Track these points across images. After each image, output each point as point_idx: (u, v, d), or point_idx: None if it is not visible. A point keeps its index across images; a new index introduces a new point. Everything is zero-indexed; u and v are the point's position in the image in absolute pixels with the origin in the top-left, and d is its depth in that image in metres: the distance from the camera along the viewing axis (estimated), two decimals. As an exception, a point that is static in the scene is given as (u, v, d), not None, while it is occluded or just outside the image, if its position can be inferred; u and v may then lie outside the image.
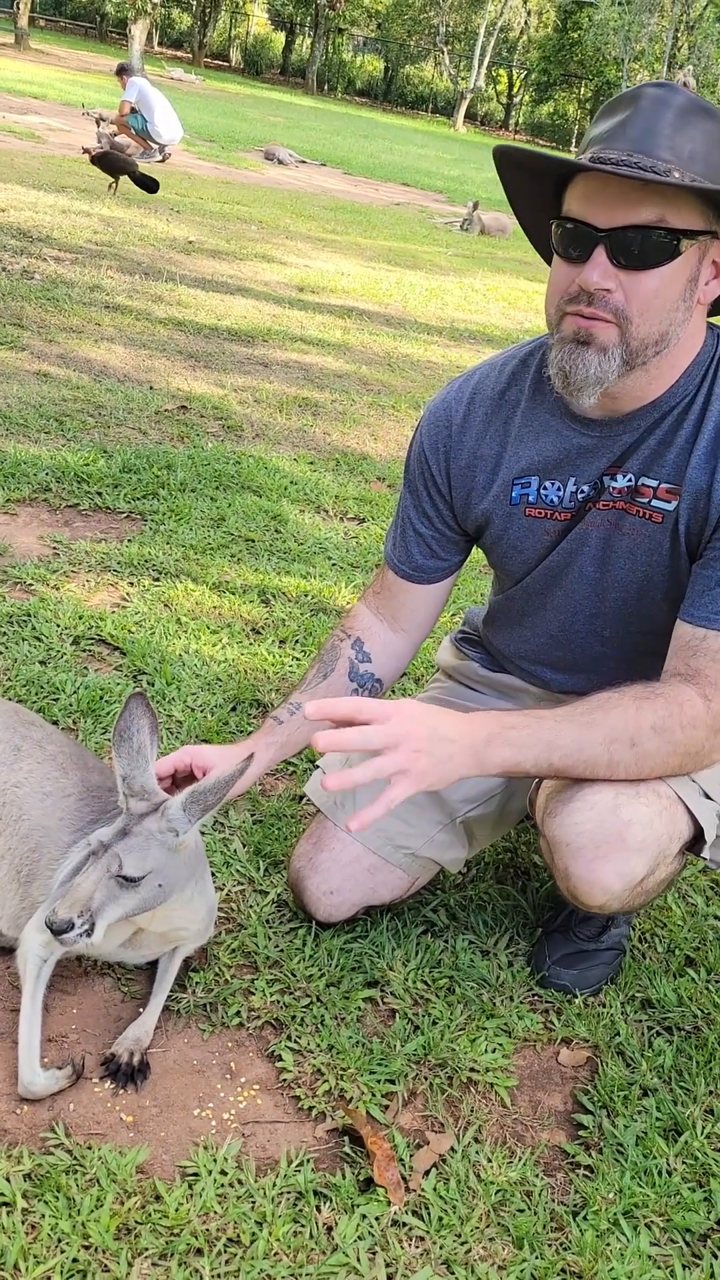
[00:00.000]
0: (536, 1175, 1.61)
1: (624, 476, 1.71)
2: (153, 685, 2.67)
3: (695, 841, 1.74)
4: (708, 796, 1.73)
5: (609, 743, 1.63)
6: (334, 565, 3.57)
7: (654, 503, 1.69)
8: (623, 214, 1.50)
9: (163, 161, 13.25)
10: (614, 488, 1.72)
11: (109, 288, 6.58)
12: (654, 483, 1.69)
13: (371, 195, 15.50)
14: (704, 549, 1.65)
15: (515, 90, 51.83)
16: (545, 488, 1.78)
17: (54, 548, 3.30)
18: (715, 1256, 1.53)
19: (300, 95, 39.21)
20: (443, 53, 44.06)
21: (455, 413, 1.86)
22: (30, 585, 3.04)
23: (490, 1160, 1.61)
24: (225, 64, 45.97)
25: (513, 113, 52.30)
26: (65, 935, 1.49)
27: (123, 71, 13.48)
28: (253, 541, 3.61)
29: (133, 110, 12.84)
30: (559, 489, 1.77)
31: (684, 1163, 1.66)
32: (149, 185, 9.56)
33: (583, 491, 1.75)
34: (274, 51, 49.88)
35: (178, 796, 1.62)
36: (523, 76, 50.58)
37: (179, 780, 1.84)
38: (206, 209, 10.40)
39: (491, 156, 1.69)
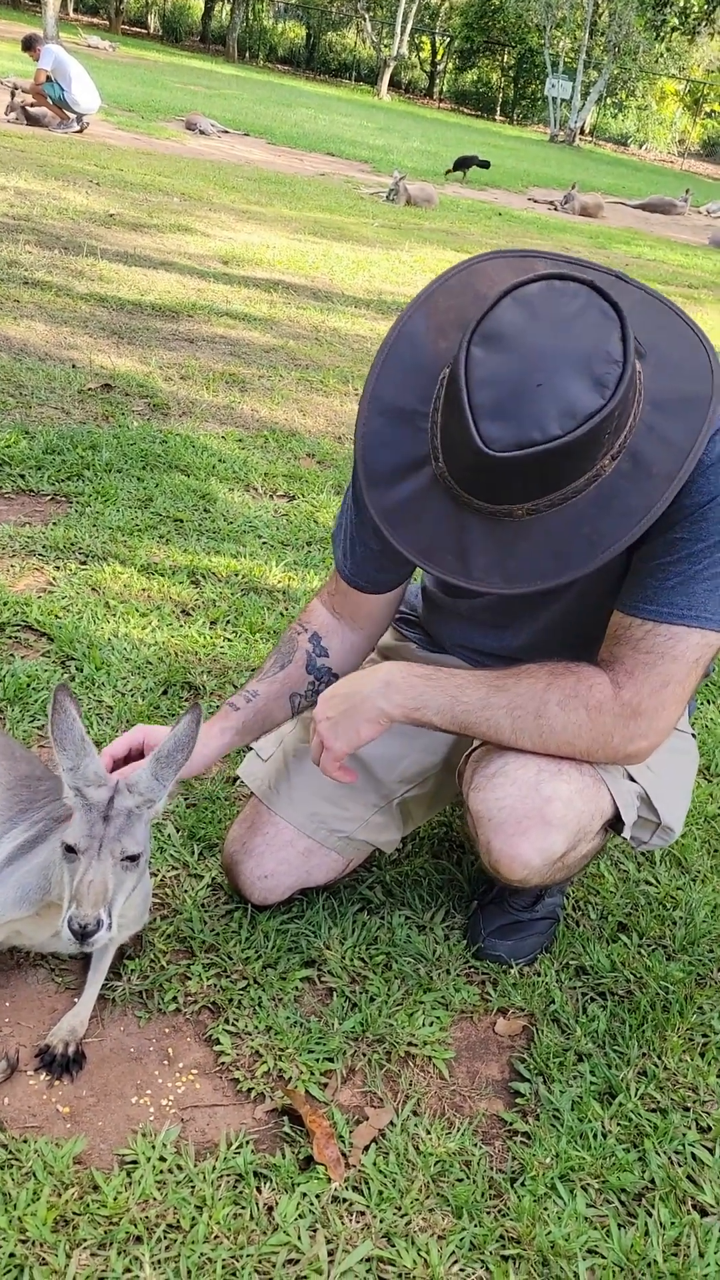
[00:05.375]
0: (475, 1144, 1.63)
1: None
2: (81, 671, 2.64)
3: (617, 820, 1.76)
4: (631, 779, 1.76)
5: (513, 709, 1.65)
6: (264, 544, 3.55)
7: None
8: None
9: (80, 132, 12.96)
10: None
11: (27, 263, 6.43)
12: None
13: (296, 165, 15.33)
14: (644, 543, 1.64)
15: (439, 58, 51.51)
16: None
17: (-24, 533, 3.23)
18: (650, 1215, 1.57)
19: (221, 63, 38.56)
20: (364, 19, 43.60)
21: None
22: (-48, 572, 2.98)
23: (429, 1132, 1.63)
24: (143, 31, 45.00)
25: (437, 80, 52.00)
26: (97, 935, 1.48)
27: (29, 45, 13.10)
28: (181, 521, 3.57)
29: (49, 79, 12.52)
30: None
31: (618, 1124, 1.70)
32: None
33: None
34: (193, 18, 48.91)
35: (142, 768, 1.62)
36: (446, 44, 50.27)
37: (130, 759, 1.81)
38: (127, 180, 10.19)
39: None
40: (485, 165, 18.42)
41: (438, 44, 50.89)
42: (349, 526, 1.89)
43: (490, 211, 14.78)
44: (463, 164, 18.01)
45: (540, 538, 1.45)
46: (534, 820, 1.65)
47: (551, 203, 17.34)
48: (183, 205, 9.67)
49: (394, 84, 44.70)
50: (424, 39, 50.11)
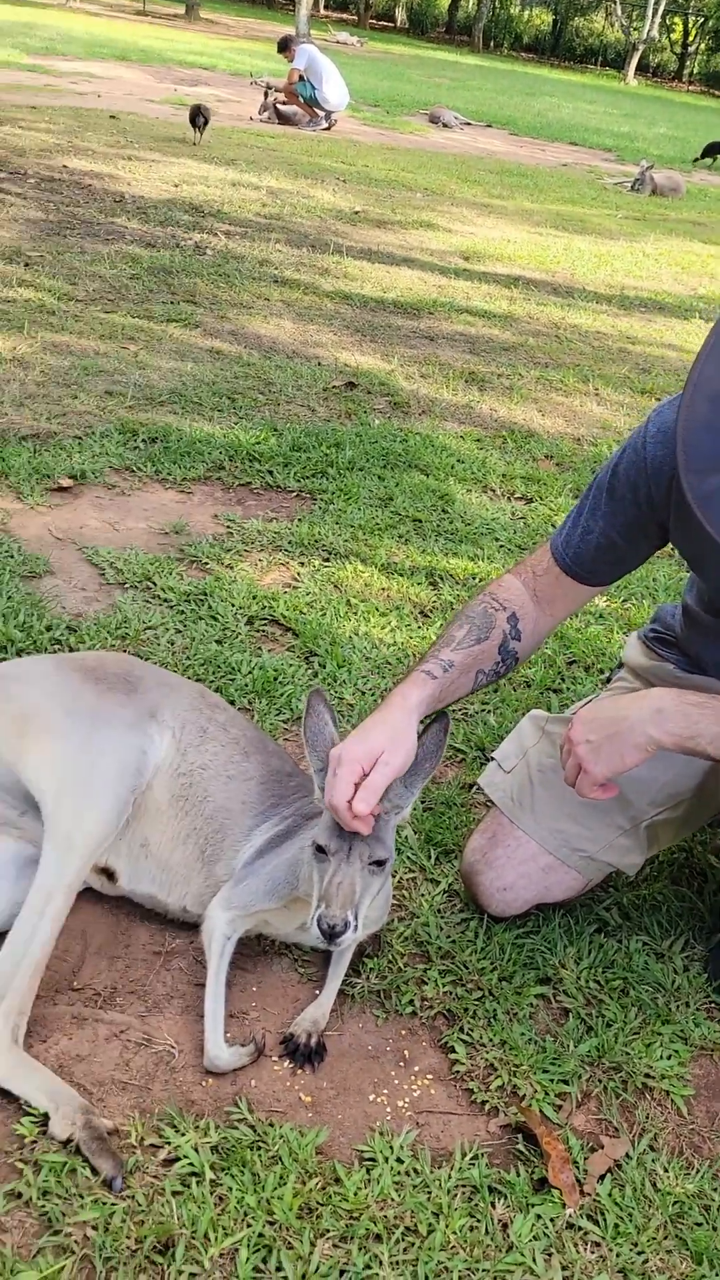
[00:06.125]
0: (715, 1189, 1.58)
1: None
2: (324, 667, 2.72)
3: None
4: None
5: None
6: (501, 547, 3.54)
7: None
8: None
9: (328, 129, 13.26)
10: None
11: (277, 261, 6.65)
12: None
13: (538, 156, 15.15)
14: None
15: (690, 39, 49.53)
16: None
17: (227, 527, 3.38)
18: None
19: (465, 53, 38.50)
20: (614, 2, 42.47)
21: None
22: (206, 564, 3.13)
23: (667, 1170, 1.60)
24: (390, 24, 45.52)
25: (687, 63, 50.07)
26: (344, 936, 1.56)
27: (284, 46, 13.52)
28: (420, 521, 3.61)
29: (301, 78, 12.88)
30: None
31: None
32: None
33: None
34: (439, 9, 49.00)
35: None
36: (699, 24, 48.26)
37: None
38: (371, 177, 10.37)
39: None
40: (737, 151, 17.62)
41: (690, 24, 48.93)
42: (588, 514, 1.85)
43: (741, 200, 14.14)
44: (713, 150, 17.29)
45: None
46: None
47: None
48: (425, 200, 9.75)
49: (641, 68, 43.35)
50: (676, 20, 48.27)
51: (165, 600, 2.91)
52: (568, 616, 2.00)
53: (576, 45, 49.55)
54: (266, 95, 13.34)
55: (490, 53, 43.11)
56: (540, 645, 2.01)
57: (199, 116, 9.96)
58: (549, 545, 1.93)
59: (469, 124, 16.97)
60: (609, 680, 2.24)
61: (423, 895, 2.06)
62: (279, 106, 13.23)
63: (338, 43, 27.76)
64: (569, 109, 23.40)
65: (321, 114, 13.24)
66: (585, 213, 10.89)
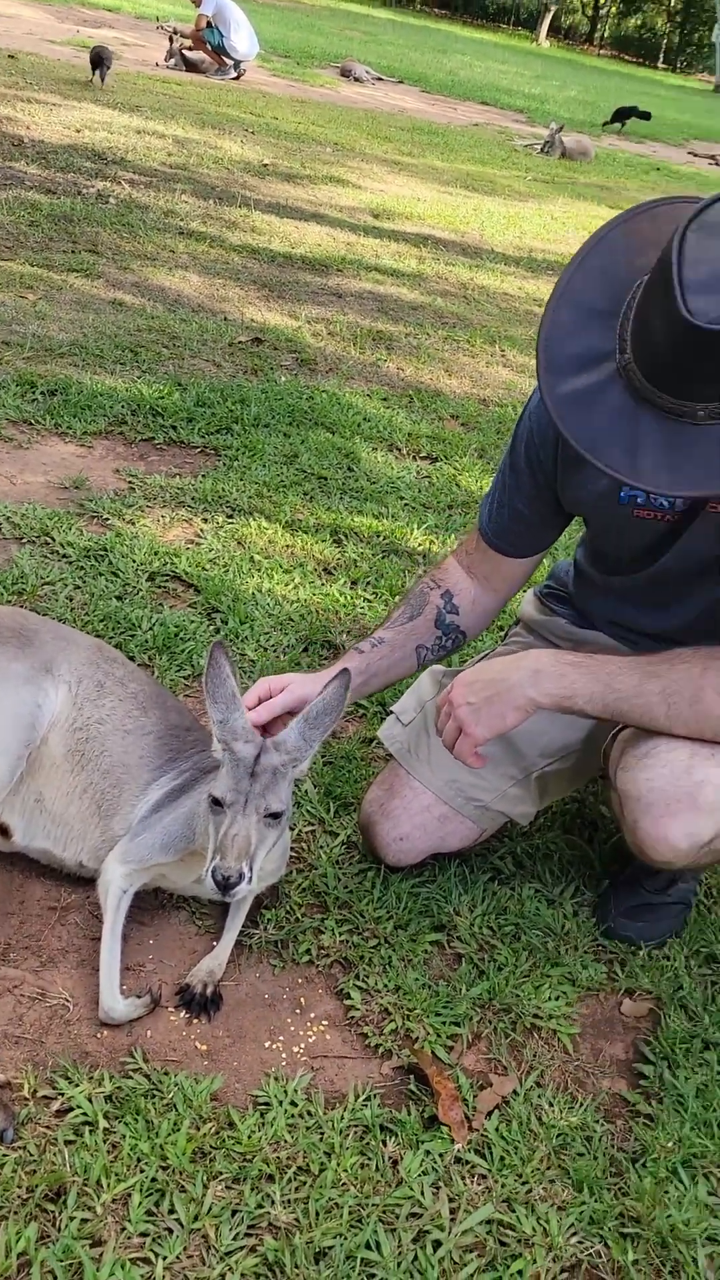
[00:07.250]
0: (597, 1121, 1.65)
1: None
2: (226, 624, 2.71)
3: None
4: None
5: (667, 695, 1.64)
6: (406, 505, 3.56)
7: None
8: None
9: (237, 79, 12.97)
10: None
11: (183, 213, 6.51)
12: None
13: (449, 115, 15.06)
14: None
15: (602, 2, 49.61)
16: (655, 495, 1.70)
17: (129, 482, 3.33)
18: (771, 1209, 1.56)
19: (377, 7, 37.94)
20: (527, -39, 42.27)
21: None
22: (106, 519, 3.08)
23: (552, 1105, 1.66)
24: (301, -27, 44.57)
25: (599, 26, 50.16)
26: (239, 887, 1.56)
27: None
28: (325, 479, 3.61)
29: (209, 24, 12.55)
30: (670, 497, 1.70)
31: (743, 1116, 1.69)
32: None
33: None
34: (352, -40, 48.16)
35: (290, 728, 1.69)
36: (611, -13, 48.39)
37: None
38: (281, 129, 10.19)
39: None
40: (645, 116, 17.75)
41: (602, -13, 49.03)
42: (501, 487, 1.91)
43: (648, 166, 14.28)
44: (621, 115, 17.41)
45: (716, 443, 1.42)
46: (684, 804, 1.65)
47: (713, 157, 16.66)
48: (335, 155, 9.63)
49: (553, 29, 43.30)
50: (588, -19, 48.31)
51: (64, 555, 2.85)
52: (511, 592, 2.03)
53: (489, 3, 49.23)
54: (172, 41, 12.96)
55: (403, 7, 42.58)
56: (490, 621, 2.05)
57: (100, 60, 9.65)
58: (479, 524, 1.97)
59: (381, 79, 16.76)
60: (506, 636, 2.28)
61: (321, 847, 2.08)
62: (185, 53, 12.87)
63: (248, -10, 27.08)
64: (481, 68, 23.28)
65: (230, 63, 12.93)
66: (495, 173, 10.88)
